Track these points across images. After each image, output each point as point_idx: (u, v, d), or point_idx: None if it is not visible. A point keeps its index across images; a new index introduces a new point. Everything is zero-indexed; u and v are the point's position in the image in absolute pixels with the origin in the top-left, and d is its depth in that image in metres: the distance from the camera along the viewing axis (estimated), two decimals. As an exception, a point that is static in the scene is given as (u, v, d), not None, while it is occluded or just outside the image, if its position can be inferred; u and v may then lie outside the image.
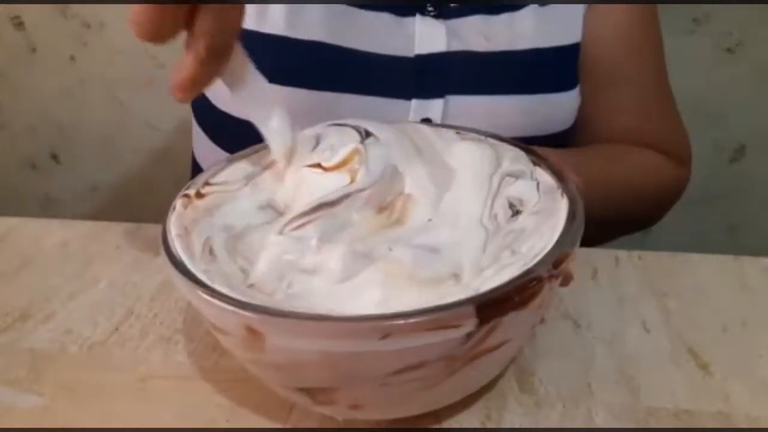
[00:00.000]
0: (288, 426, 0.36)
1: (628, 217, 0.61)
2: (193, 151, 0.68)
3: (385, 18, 0.55)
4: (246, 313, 0.29)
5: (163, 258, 0.33)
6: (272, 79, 0.54)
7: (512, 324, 0.29)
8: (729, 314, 0.43)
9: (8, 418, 0.37)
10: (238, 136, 0.42)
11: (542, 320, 0.42)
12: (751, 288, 0.46)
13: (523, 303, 0.29)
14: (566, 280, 0.36)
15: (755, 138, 1.04)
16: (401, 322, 0.27)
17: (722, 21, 0.96)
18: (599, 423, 0.35)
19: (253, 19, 0.54)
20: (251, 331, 0.29)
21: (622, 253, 0.49)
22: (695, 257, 0.49)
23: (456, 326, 0.28)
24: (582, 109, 0.61)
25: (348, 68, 0.55)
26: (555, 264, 0.30)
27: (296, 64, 0.54)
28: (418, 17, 0.56)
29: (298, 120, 0.48)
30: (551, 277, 0.29)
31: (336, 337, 0.28)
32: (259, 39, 0.54)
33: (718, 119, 1.02)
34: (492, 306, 0.28)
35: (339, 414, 0.34)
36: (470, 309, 0.27)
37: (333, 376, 0.31)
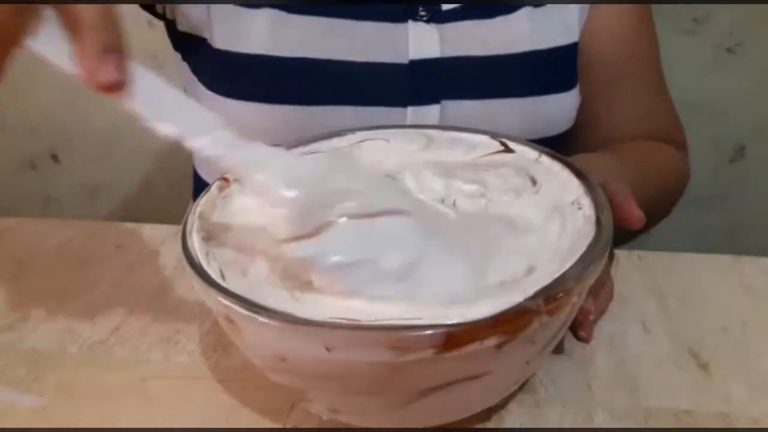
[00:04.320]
0: (288, 426, 0.36)
1: (658, 214, 0.61)
2: (194, 165, 0.68)
3: (375, 26, 0.55)
4: (224, 302, 0.29)
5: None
6: (261, 98, 0.54)
7: (490, 356, 0.28)
8: (729, 314, 0.43)
9: (8, 418, 0.37)
10: None
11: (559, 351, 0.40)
12: (751, 288, 0.46)
13: (504, 334, 0.27)
14: (579, 324, 0.35)
15: (755, 138, 1.04)
16: (347, 333, 0.27)
17: (722, 21, 0.96)
18: (599, 423, 0.35)
19: (235, 40, 0.54)
20: (230, 320, 0.30)
21: (622, 253, 0.49)
22: (695, 257, 0.49)
23: (411, 350, 0.27)
24: (586, 110, 0.61)
25: (339, 81, 0.54)
26: (547, 300, 0.28)
27: (284, 82, 0.54)
28: (410, 23, 0.55)
29: (290, 137, 0.48)
30: (540, 312, 0.28)
31: (287, 339, 0.28)
32: (243, 60, 0.54)
33: (718, 119, 1.02)
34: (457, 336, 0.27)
35: (323, 414, 0.35)
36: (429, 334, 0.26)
37: (295, 378, 0.31)
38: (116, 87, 0.29)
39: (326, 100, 0.54)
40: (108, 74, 0.28)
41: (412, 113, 0.55)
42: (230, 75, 0.55)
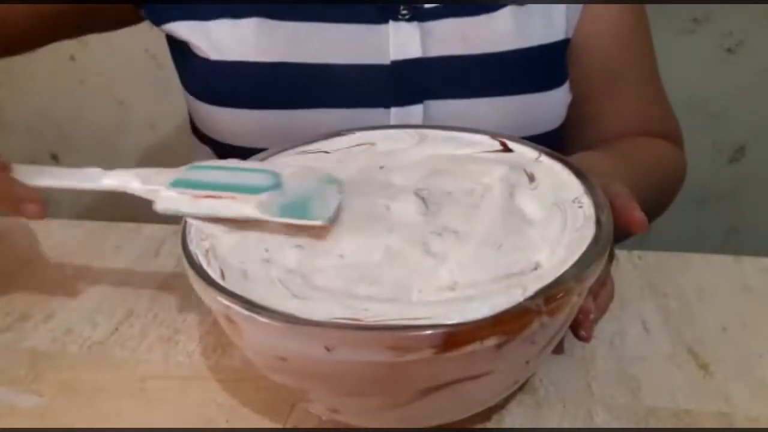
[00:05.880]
0: (288, 426, 0.36)
1: (656, 210, 0.61)
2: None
3: (355, 28, 0.54)
4: (224, 302, 0.29)
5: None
6: (244, 104, 0.54)
7: (490, 356, 0.28)
8: (729, 314, 0.43)
9: (8, 418, 0.37)
10: (238, 154, 0.43)
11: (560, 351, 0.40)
12: (751, 288, 0.46)
13: (504, 334, 0.27)
14: (579, 324, 0.35)
15: (755, 138, 1.04)
16: (347, 333, 0.27)
17: (722, 21, 0.96)
18: (599, 423, 0.35)
19: (216, 48, 0.54)
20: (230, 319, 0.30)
21: (622, 253, 0.49)
22: (695, 257, 0.49)
23: (411, 350, 0.27)
24: (582, 107, 0.61)
25: (321, 84, 0.54)
26: (547, 300, 0.28)
27: (266, 87, 0.54)
28: (391, 23, 0.54)
29: (276, 141, 0.49)
30: (540, 312, 0.28)
31: (287, 339, 0.28)
32: (220, 66, 0.54)
33: (718, 119, 1.02)
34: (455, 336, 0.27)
35: (323, 414, 0.35)
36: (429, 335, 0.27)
37: (295, 378, 0.31)
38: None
39: (309, 104, 0.54)
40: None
41: (396, 114, 0.54)
42: (213, 83, 0.55)
